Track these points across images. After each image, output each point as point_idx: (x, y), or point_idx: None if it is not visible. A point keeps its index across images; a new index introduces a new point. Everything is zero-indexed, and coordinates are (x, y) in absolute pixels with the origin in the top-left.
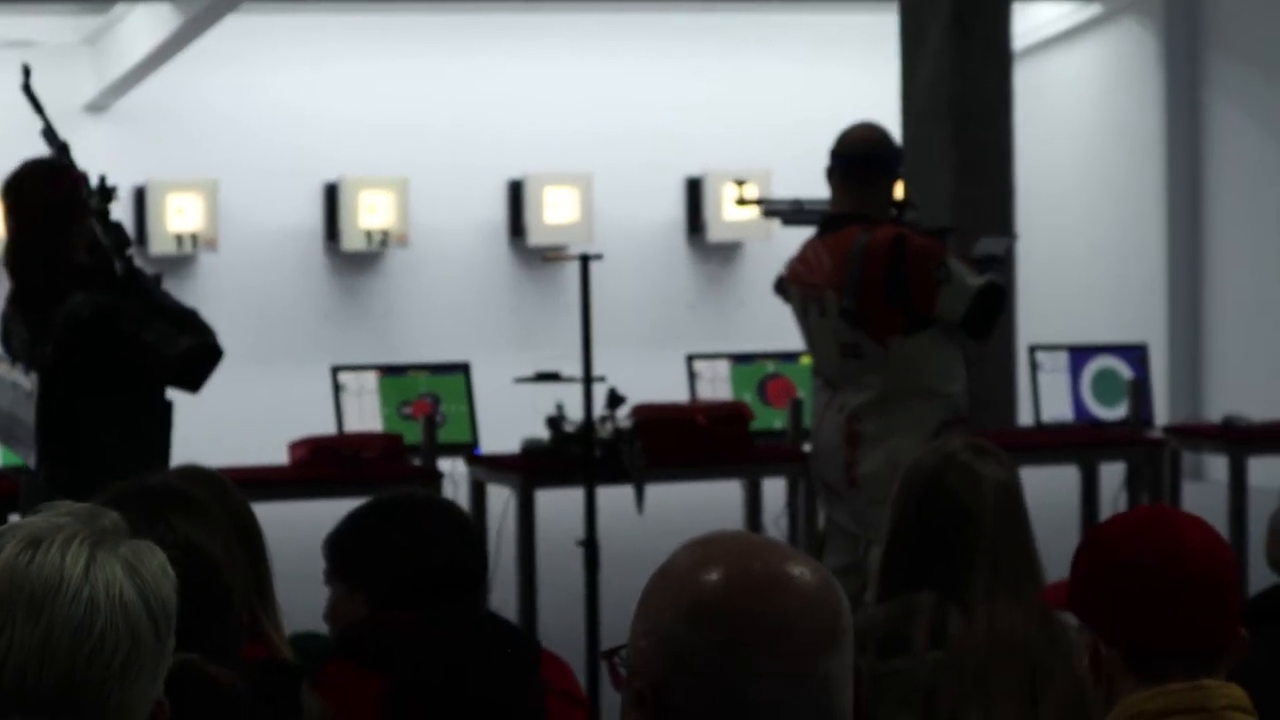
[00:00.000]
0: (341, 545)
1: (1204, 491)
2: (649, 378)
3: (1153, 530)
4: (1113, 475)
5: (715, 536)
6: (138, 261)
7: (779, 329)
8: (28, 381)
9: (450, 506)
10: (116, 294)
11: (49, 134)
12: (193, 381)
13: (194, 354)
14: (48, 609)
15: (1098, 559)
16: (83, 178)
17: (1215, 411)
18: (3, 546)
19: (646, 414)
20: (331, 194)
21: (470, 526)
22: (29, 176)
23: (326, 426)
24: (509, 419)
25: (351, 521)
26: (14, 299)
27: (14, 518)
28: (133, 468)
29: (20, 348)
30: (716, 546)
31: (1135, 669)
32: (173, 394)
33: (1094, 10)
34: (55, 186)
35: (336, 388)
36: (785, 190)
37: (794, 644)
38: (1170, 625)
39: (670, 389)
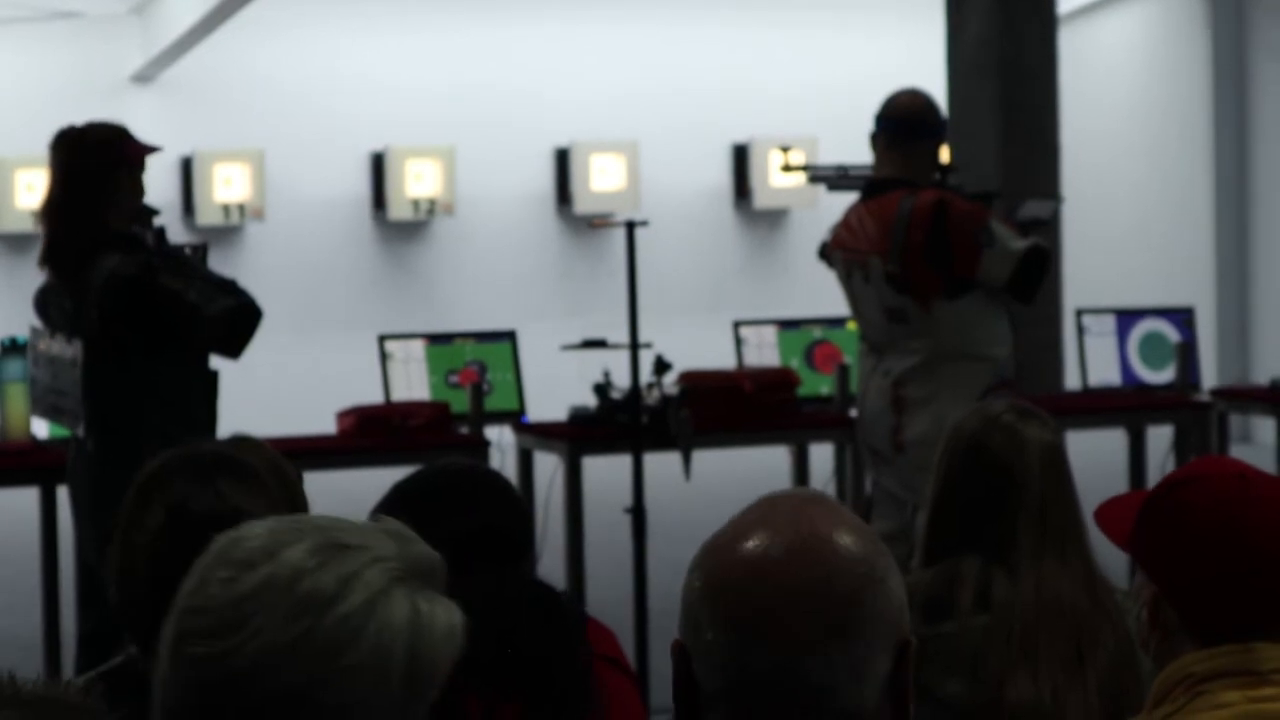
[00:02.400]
0: (386, 515)
1: (1251, 454)
2: (696, 344)
3: (1234, 508)
4: (1160, 438)
5: (779, 499)
6: (180, 237)
7: (826, 295)
8: (70, 350)
9: (492, 474)
10: (154, 256)
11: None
12: (233, 345)
13: (234, 314)
14: (310, 617)
15: (1172, 520)
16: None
17: (1263, 374)
18: (300, 539)
19: (693, 380)
20: (378, 163)
21: (512, 492)
22: (80, 138)
23: (374, 395)
24: (556, 387)
25: (395, 492)
26: (47, 260)
27: (61, 489)
28: (179, 435)
29: (60, 318)
30: (763, 514)
31: (1193, 634)
32: (219, 363)
33: None
34: (106, 151)
35: (383, 356)
36: (831, 156)
37: (792, 629)
38: (1237, 605)
39: (717, 355)
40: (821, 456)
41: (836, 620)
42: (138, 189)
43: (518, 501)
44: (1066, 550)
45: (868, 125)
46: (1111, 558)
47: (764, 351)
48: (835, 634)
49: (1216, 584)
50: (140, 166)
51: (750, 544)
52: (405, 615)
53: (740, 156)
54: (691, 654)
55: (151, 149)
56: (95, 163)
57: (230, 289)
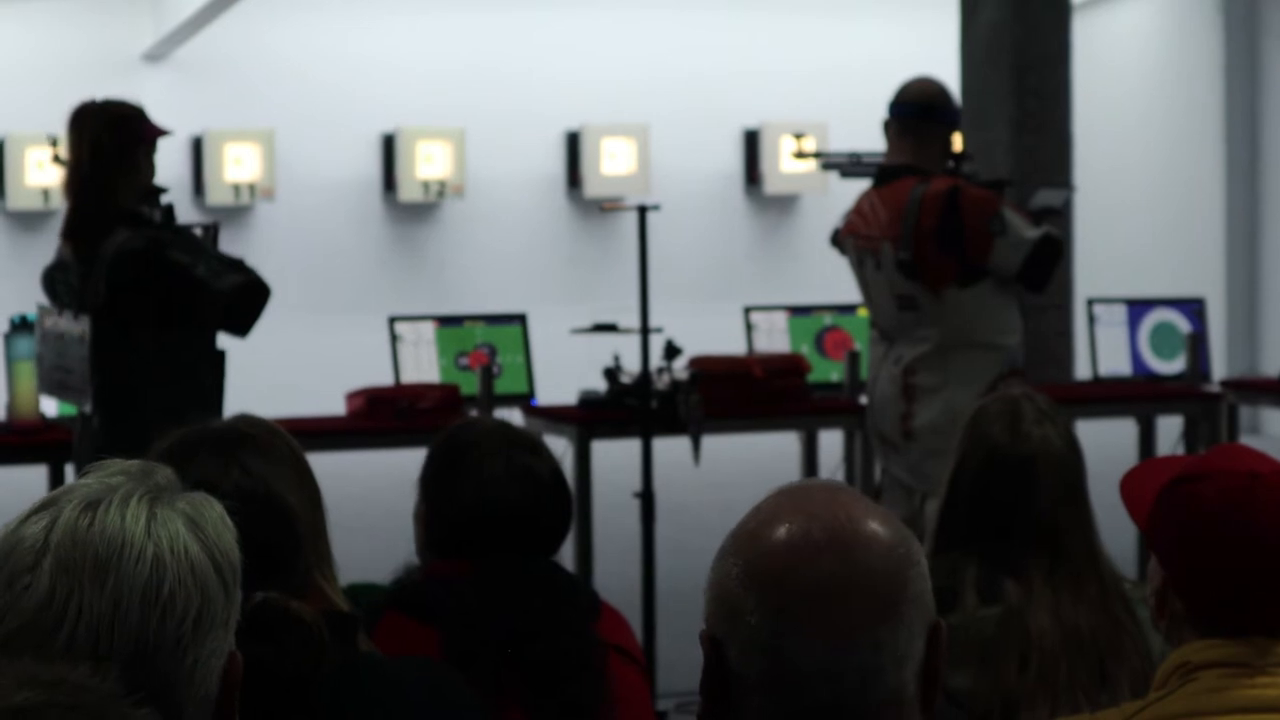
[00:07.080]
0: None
1: (1261, 445)
2: (706, 329)
3: (1242, 509)
4: (1170, 429)
5: (801, 488)
6: (190, 216)
7: (836, 281)
8: (77, 326)
9: (552, 463)
10: (163, 230)
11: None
12: (242, 322)
13: (243, 290)
14: (113, 571)
15: (1181, 514)
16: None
17: (1273, 365)
18: (61, 510)
19: (703, 365)
20: (389, 144)
21: (532, 475)
22: (102, 111)
23: (383, 377)
24: (566, 370)
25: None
26: (67, 233)
27: (69, 467)
28: (187, 413)
29: (68, 294)
30: (794, 501)
31: (1194, 625)
32: (227, 342)
33: None
34: (127, 126)
35: (393, 338)
36: (842, 142)
37: (843, 613)
38: (1237, 605)
39: (727, 341)
40: (831, 443)
41: (884, 605)
42: (151, 167)
43: (567, 496)
44: (1082, 572)
45: (880, 111)
46: (1118, 544)
47: (774, 337)
48: (883, 619)
49: (1218, 582)
50: (153, 146)
51: (788, 531)
52: (182, 524)
53: (751, 141)
54: (728, 643)
55: (163, 131)
56: (116, 137)
57: (239, 267)
